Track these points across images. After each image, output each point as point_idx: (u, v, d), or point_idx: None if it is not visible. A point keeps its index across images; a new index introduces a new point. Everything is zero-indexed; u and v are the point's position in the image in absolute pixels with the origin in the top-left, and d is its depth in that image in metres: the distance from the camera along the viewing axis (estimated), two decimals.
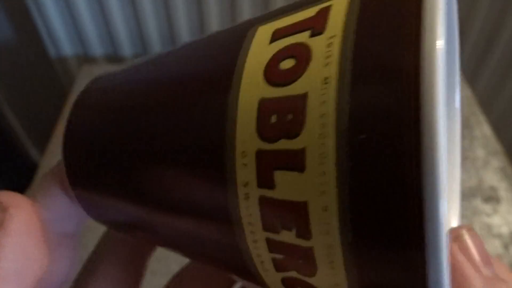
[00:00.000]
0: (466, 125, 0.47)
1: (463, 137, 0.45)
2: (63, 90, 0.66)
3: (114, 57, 0.62)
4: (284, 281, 0.10)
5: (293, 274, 0.10)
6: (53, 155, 0.44)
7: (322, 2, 0.10)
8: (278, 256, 0.09)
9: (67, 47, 0.61)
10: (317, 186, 0.08)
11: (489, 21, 0.56)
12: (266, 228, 0.09)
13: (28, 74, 0.68)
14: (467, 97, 0.50)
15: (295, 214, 0.09)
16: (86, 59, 0.62)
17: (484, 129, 0.46)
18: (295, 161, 0.09)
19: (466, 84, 0.52)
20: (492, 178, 0.41)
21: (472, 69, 0.62)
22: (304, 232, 0.09)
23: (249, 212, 0.09)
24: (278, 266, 0.10)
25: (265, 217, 0.09)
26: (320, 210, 0.08)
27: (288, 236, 0.09)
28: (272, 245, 0.09)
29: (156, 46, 0.60)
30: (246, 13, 0.56)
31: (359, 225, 0.08)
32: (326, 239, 0.09)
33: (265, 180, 0.09)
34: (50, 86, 0.68)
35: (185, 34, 0.59)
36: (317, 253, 0.09)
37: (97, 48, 0.61)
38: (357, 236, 0.08)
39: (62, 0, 0.55)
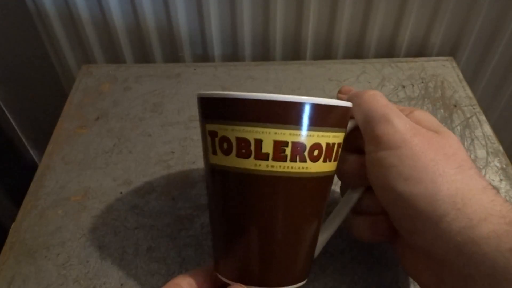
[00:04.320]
0: (467, 125, 0.47)
1: (464, 137, 0.45)
2: (63, 90, 0.66)
3: (114, 58, 0.62)
4: None
5: None
6: (52, 155, 0.44)
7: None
8: None
9: (66, 47, 0.61)
10: None
11: (489, 20, 0.56)
12: None
13: (28, 74, 0.68)
14: (467, 97, 0.50)
15: None
16: (86, 59, 0.62)
17: (485, 129, 0.46)
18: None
19: (466, 84, 0.52)
20: (493, 178, 0.41)
21: (472, 69, 0.62)
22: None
23: None
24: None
25: None
26: None
27: None
28: None
29: (156, 46, 0.60)
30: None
31: None
32: None
33: None
34: (50, 86, 0.68)
35: (185, 34, 0.59)
36: None
37: (97, 48, 0.61)
38: None
39: (62, 0, 0.55)
